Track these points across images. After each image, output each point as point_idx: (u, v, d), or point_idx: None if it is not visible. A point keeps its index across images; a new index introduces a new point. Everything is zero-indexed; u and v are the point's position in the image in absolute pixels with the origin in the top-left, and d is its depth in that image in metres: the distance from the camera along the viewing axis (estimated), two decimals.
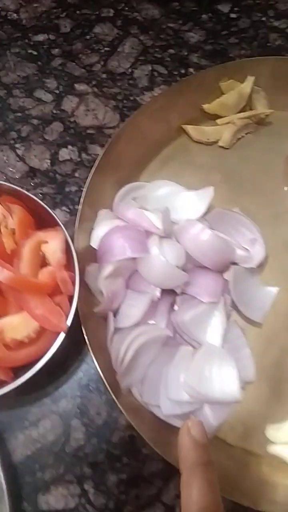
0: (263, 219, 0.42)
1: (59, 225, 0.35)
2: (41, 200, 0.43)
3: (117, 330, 0.36)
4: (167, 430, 0.34)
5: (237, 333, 0.37)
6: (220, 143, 0.45)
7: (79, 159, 0.45)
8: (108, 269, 0.36)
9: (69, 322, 0.32)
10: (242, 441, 0.36)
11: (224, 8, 0.53)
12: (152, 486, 0.35)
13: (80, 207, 0.38)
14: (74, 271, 0.34)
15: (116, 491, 0.35)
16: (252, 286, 0.39)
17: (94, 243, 0.38)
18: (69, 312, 0.33)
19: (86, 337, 0.34)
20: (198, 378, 0.34)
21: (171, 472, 0.36)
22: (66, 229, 0.35)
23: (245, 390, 0.37)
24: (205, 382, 0.34)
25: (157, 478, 0.36)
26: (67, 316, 0.33)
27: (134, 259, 0.37)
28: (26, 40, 0.50)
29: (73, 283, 0.34)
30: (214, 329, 0.36)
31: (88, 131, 0.46)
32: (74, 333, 0.34)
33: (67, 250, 0.35)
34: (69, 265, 0.35)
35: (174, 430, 0.34)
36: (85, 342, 0.34)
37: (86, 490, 0.35)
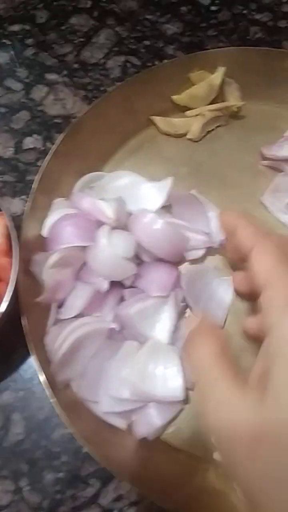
0: None
1: (2, 210, 0.34)
2: (1, 188, 0.43)
3: (59, 321, 0.34)
4: (105, 429, 0.32)
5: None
6: (188, 136, 0.44)
7: (43, 148, 0.44)
8: (53, 257, 0.34)
9: (2, 308, 0.31)
10: (187, 444, 0.34)
11: (205, 0, 0.52)
12: (90, 487, 0.34)
13: (32, 193, 0.37)
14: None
15: (52, 490, 0.34)
16: (207, 288, 0.37)
17: (45, 232, 0.37)
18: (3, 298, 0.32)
19: (25, 327, 0.33)
20: (141, 375, 0.32)
21: (110, 474, 0.34)
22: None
23: (194, 391, 0.35)
24: (147, 380, 0.32)
25: (95, 479, 0.34)
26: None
27: (84, 249, 0.36)
28: (1, 30, 0.50)
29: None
30: (162, 325, 0.35)
31: (55, 120, 0.45)
32: (19, 324, 0.33)
33: (10, 236, 0.34)
34: (11, 252, 0.33)
35: (112, 430, 0.33)
36: None
37: (21, 487, 0.34)
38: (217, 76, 0.43)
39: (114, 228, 0.36)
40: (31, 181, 0.43)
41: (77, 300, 0.35)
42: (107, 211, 0.36)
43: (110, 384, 0.33)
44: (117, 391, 0.32)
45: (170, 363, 0.33)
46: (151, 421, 0.33)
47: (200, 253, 0.38)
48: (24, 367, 0.37)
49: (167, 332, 0.34)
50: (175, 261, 0.37)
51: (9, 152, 0.44)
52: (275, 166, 0.42)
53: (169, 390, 0.32)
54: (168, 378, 0.32)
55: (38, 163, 0.43)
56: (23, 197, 0.42)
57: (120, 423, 0.32)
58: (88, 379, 0.33)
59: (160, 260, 0.37)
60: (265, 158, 0.42)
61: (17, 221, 0.41)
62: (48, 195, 0.39)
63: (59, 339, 0.32)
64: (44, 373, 0.32)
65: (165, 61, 0.48)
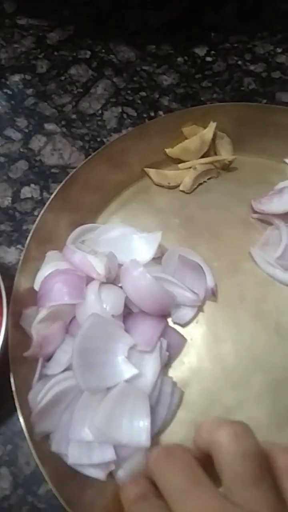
0: (219, 267, 0.41)
1: None
2: None
3: (45, 376, 0.35)
4: (81, 485, 0.32)
5: (167, 390, 0.35)
6: (181, 188, 0.45)
7: (40, 198, 0.45)
8: (42, 313, 0.35)
9: None
10: None
11: (201, 51, 0.53)
12: None
13: (26, 246, 0.38)
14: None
15: None
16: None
17: (37, 285, 0.38)
18: None
19: (12, 381, 0.34)
20: (106, 418, 0.32)
21: None
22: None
23: None
24: (113, 423, 0.32)
25: None
26: None
27: (74, 304, 0.36)
28: (3, 80, 0.51)
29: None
30: (146, 375, 0.35)
31: (52, 170, 0.47)
32: (8, 378, 0.34)
33: (1, 294, 0.35)
34: (1, 309, 0.34)
35: (87, 486, 0.32)
36: None
37: None
38: (208, 131, 0.44)
39: (104, 283, 0.37)
40: (27, 231, 0.44)
41: (64, 355, 0.35)
42: (98, 267, 0.37)
43: (73, 427, 0.32)
44: (79, 434, 0.32)
45: (139, 409, 0.33)
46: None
47: (188, 316, 0.38)
48: (13, 420, 0.37)
49: (150, 384, 0.34)
50: (160, 315, 0.38)
51: (6, 202, 0.45)
52: (266, 219, 0.43)
53: (135, 436, 0.32)
54: (134, 423, 0.32)
55: (35, 213, 0.45)
56: (18, 246, 0.43)
57: (97, 474, 0.32)
58: (61, 430, 0.33)
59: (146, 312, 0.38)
60: (255, 212, 0.43)
61: (12, 271, 0.42)
62: (42, 247, 0.40)
63: (43, 391, 0.33)
64: (28, 430, 0.32)
65: (160, 113, 0.49)
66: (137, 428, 0.32)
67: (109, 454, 0.32)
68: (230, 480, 0.23)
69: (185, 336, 0.39)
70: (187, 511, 0.22)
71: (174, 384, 0.36)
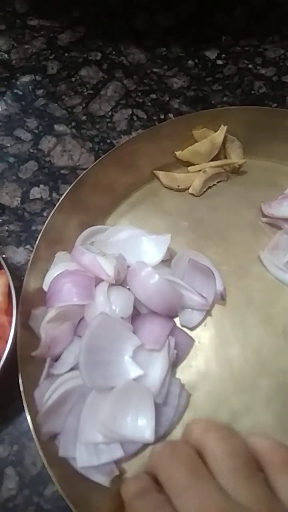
0: (227, 270, 0.41)
1: (3, 268, 0.35)
2: (7, 237, 0.44)
3: (52, 376, 0.35)
4: (87, 487, 0.32)
5: (175, 391, 0.35)
6: (190, 191, 0.45)
7: (49, 199, 0.45)
8: (51, 313, 0.35)
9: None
10: None
11: (211, 54, 0.53)
12: None
13: (35, 246, 0.39)
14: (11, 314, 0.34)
15: None
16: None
17: (46, 286, 0.38)
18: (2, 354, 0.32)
19: (20, 381, 0.34)
20: (111, 414, 0.32)
21: None
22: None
23: None
24: (117, 418, 0.32)
25: None
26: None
27: (82, 305, 0.36)
28: (13, 80, 0.52)
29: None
30: (154, 373, 0.35)
31: (62, 171, 0.47)
32: (17, 377, 0.34)
33: (11, 294, 0.35)
34: (11, 308, 0.34)
35: (94, 487, 0.32)
36: None
37: None
38: (219, 135, 0.44)
39: (113, 285, 0.37)
40: (36, 231, 0.44)
41: (71, 355, 0.35)
42: (107, 268, 0.37)
43: (82, 430, 0.32)
44: (90, 436, 0.32)
45: (143, 405, 0.33)
46: None
47: (196, 319, 0.38)
48: (20, 420, 0.37)
49: (158, 382, 0.34)
50: (168, 315, 0.38)
51: (16, 202, 0.45)
52: (275, 223, 0.43)
53: (139, 431, 0.32)
54: (138, 419, 0.32)
55: (44, 213, 0.45)
56: (27, 246, 0.43)
57: (102, 479, 0.32)
58: (67, 434, 0.33)
59: (154, 312, 0.38)
60: (264, 215, 0.43)
61: (21, 271, 0.42)
62: (51, 247, 0.40)
63: (49, 391, 0.33)
64: (35, 430, 0.32)
65: (170, 115, 0.49)
66: (141, 424, 0.32)
67: (117, 452, 0.32)
68: (221, 475, 0.24)
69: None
70: (189, 505, 0.23)
71: (182, 385, 0.36)
